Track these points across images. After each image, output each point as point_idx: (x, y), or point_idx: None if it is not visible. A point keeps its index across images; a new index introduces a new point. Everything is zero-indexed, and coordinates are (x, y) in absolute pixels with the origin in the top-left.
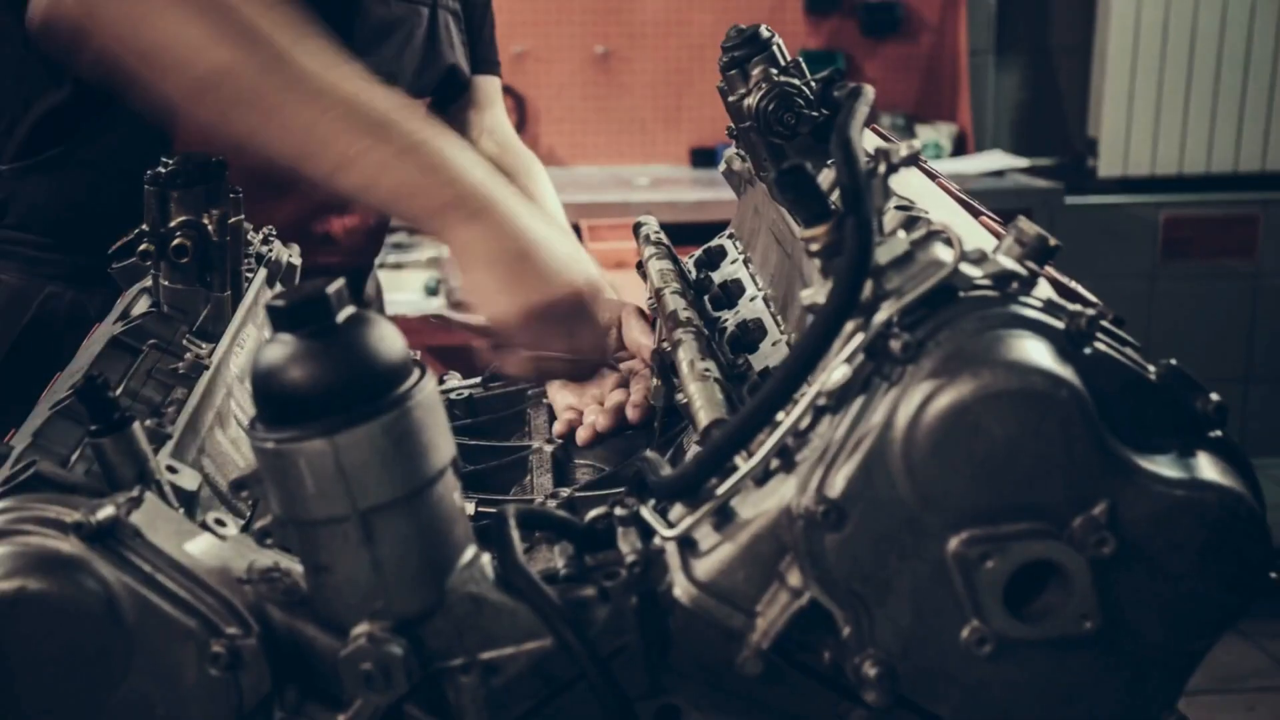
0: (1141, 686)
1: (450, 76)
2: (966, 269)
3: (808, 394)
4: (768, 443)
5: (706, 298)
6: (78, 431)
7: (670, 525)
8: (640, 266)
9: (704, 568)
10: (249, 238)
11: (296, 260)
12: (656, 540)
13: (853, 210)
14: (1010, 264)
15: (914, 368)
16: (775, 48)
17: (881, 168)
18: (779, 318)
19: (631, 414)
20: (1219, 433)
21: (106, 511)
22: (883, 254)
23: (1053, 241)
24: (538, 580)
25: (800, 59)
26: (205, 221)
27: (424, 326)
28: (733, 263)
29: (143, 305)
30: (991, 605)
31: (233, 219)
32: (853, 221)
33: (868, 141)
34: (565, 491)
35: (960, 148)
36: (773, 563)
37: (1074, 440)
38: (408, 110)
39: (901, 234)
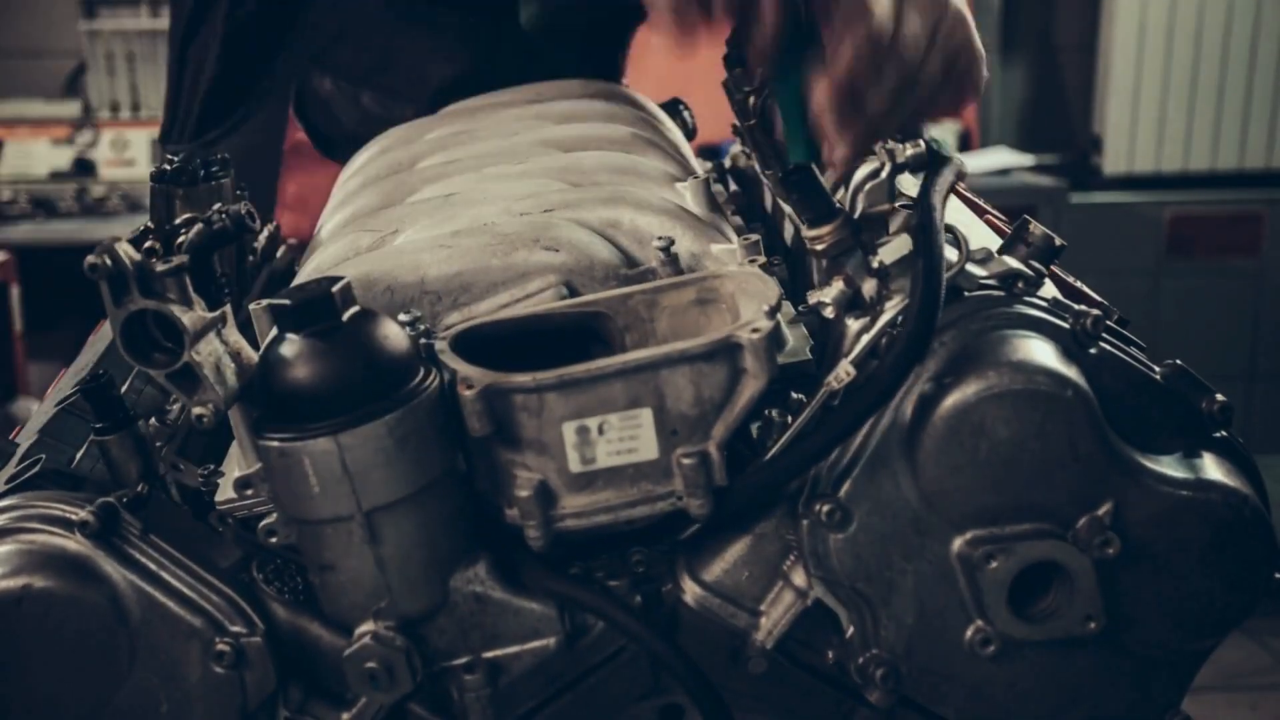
0: (1146, 686)
1: None
2: (972, 269)
3: (817, 395)
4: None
5: None
6: (83, 429)
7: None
8: None
9: (709, 567)
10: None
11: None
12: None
13: (924, 278)
14: (1015, 264)
15: (919, 367)
16: None
17: (886, 168)
18: None
19: None
20: (1224, 433)
21: (111, 509)
22: (887, 254)
23: (1058, 241)
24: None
25: None
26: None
27: None
28: None
29: None
30: (996, 606)
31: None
32: (921, 290)
33: None
34: None
35: (965, 145)
36: (777, 562)
37: (1079, 441)
38: None
39: (907, 234)
